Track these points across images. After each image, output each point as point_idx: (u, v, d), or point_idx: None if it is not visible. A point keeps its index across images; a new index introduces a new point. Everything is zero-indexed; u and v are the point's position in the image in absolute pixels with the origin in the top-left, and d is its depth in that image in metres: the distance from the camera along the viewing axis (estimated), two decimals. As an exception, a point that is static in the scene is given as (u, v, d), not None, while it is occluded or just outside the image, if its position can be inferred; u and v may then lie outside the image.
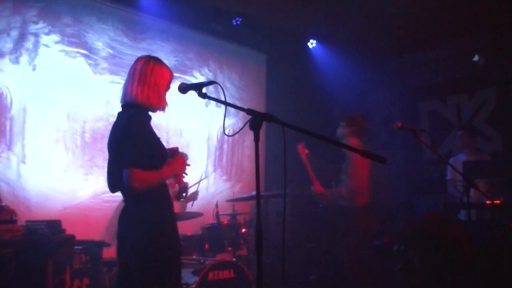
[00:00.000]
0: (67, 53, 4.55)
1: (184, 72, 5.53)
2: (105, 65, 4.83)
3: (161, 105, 2.43)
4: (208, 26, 5.66)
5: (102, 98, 4.74)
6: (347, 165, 3.98)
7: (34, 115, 4.25)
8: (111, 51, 4.90)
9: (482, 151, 5.04)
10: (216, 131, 5.82)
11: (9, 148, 4.08)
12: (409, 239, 1.67)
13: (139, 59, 2.46)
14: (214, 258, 3.88)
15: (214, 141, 5.79)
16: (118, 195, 2.43)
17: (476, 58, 5.72)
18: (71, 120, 4.51)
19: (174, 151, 2.52)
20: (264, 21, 5.92)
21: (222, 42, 5.95)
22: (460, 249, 1.59)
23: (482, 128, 5.87)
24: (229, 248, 4.05)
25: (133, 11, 5.11)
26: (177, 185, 2.62)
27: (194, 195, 4.51)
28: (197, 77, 5.64)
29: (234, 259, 3.91)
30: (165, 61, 2.50)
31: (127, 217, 2.33)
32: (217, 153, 5.82)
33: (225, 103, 2.07)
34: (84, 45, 4.69)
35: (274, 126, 1.92)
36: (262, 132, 2.07)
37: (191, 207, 4.55)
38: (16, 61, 4.20)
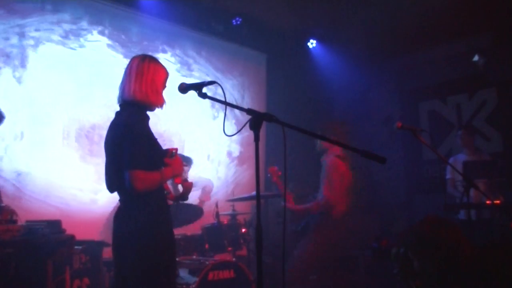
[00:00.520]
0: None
1: (184, 72, 5.53)
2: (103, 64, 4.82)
3: (159, 102, 2.43)
4: (208, 26, 5.66)
5: (102, 98, 4.73)
6: (323, 175, 3.89)
7: (34, 115, 4.25)
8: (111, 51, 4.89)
9: (482, 151, 5.03)
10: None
11: (9, 148, 4.08)
12: (408, 242, 1.67)
13: (134, 58, 2.47)
14: (214, 258, 3.87)
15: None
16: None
17: (476, 58, 5.71)
18: (72, 119, 4.51)
19: (174, 152, 2.52)
20: (264, 21, 5.92)
21: (222, 42, 5.95)
22: (460, 251, 1.59)
23: (482, 128, 5.85)
24: (229, 248, 4.05)
25: (133, 11, 5.10)
26: (180, 185, 2.61)
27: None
28: (197, 77, 5.64)
29: (234, 259, 3.91)
30: (165, 61, 2.51)
31: (121, 217, 2.31)
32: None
33: (225, 103, 2.07)
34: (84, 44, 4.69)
35: (274, 126, 1.92)
36: (262, 132, 2.07)
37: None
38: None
